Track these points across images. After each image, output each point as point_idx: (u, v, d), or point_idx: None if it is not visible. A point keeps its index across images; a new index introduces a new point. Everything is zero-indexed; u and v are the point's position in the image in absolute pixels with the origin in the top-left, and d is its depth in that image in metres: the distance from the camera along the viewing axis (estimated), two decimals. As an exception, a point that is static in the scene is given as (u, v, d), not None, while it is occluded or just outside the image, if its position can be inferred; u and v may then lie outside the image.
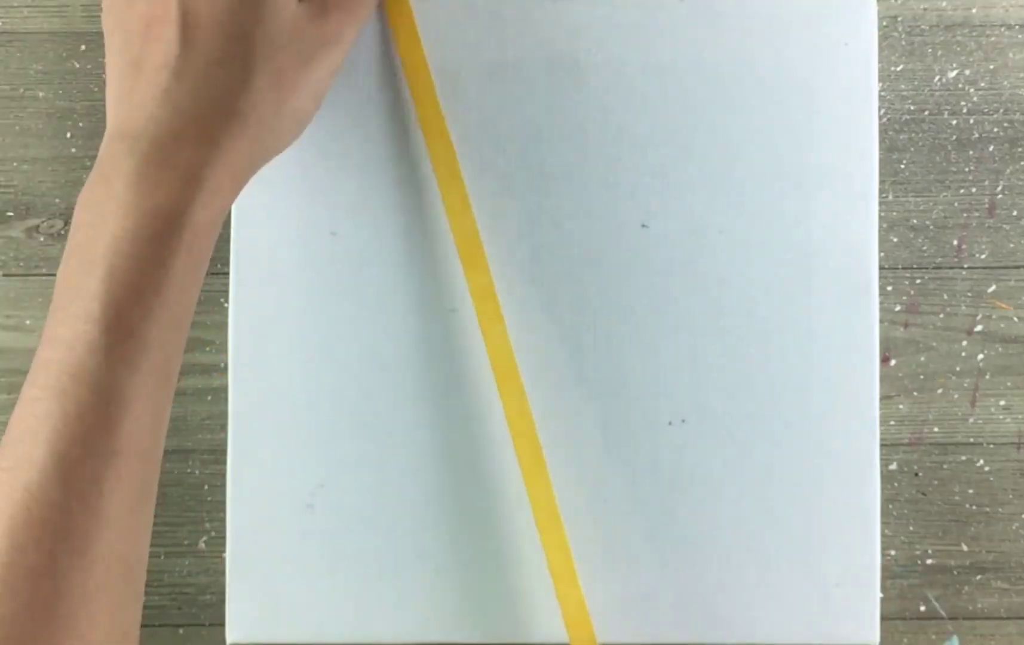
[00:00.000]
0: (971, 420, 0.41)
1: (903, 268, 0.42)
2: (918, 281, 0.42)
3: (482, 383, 0.38)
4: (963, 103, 0.42)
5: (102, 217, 0.28)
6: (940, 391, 0.41)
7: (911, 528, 0.41)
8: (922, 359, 0.41)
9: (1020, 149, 0.42)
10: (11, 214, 0.42)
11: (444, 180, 0.38)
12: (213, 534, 0.41)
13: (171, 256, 0.28)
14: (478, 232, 0.37)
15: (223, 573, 0.38)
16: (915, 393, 0.41)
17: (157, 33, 0.30)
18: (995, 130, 0.42)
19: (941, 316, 0.41)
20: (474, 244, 0.37)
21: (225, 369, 0.39)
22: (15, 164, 0.42)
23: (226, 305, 0.40)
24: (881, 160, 0.39)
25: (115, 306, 0.27)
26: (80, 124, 0.42)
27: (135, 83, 0.30)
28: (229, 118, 0.30)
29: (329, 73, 0.33)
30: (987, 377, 0.41)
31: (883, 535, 0.40)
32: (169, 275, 0.28)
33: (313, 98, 0.33)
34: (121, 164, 0.29)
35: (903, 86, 0.42)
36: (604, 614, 0.38)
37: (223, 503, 0.38)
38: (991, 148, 0.42)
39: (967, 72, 0.42)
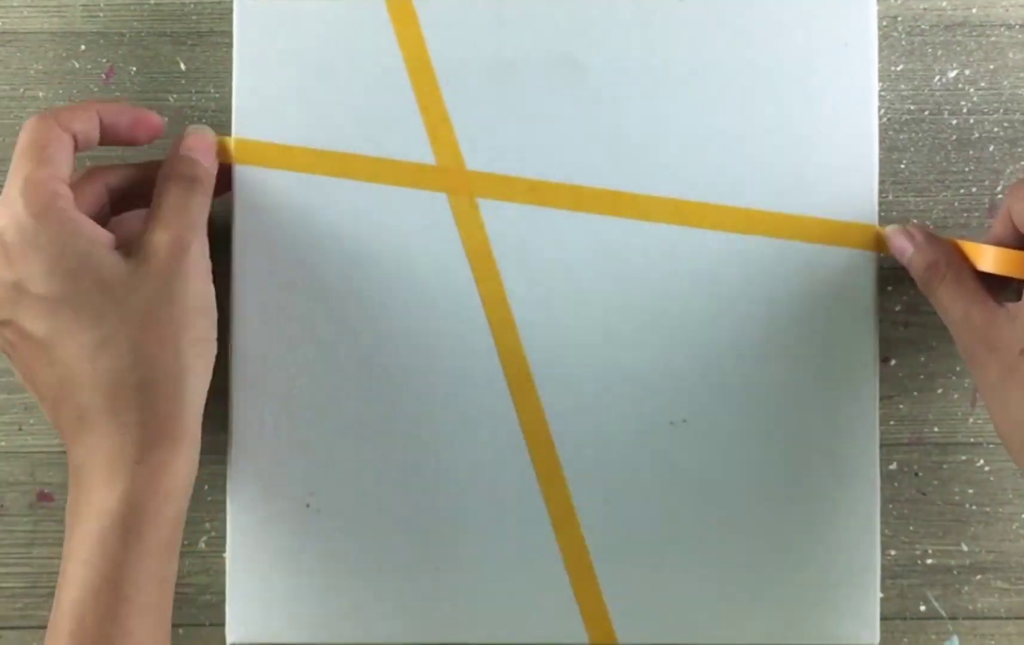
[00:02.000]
0: (971, 420, 0.41)
1: (903, 268, 0.42)
2: (918, 281, 0.42)
3: (483, 383, 0.38)
4: (963, 103, 0.42)
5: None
6: (940, 391, 0.41)
7: (911, 528, 0.41)
8: (922, 359, 0.41)
9: (1020, 149, 0.42)
10: (11, 214, 0.42)
11: (451, 184, 0.38)
12: (213, 534, 0.41)
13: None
14: (487, 238, 0.37)
15: (223, 573, 0.38)
16: (915, 393, 0.41)
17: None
18: (995, 130, 0.42)
19: (941, 316, 0.41)
20: (484, 251, 0.37)
21: (225, 369, 0.39)
22: (15, 164, 0.42)
23: (226, 305, 0.40)
24: (881, 160, 0.39)
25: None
26: (80, 124, 0.42)
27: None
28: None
29: (190, 283, 0.33)
30: (987, 377, 0.41)
31: (883, 535, 0.40)
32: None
33: (194, 308, 0.33)
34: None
35: (903, 86, 0.42)
36: (605, 614, 0.38)
37: (223, 503, 0.38)
38: (991, 148, 0.42)
39: (967, 72, 0.42)
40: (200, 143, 0.36)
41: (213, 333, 0.34)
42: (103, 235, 0.32)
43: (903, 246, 0.36)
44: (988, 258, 0.34)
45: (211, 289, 0.33)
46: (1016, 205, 0.34)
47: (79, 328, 0.31)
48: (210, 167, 0.35)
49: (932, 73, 0.42)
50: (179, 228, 0.33)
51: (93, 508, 0.31)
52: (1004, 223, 0.35)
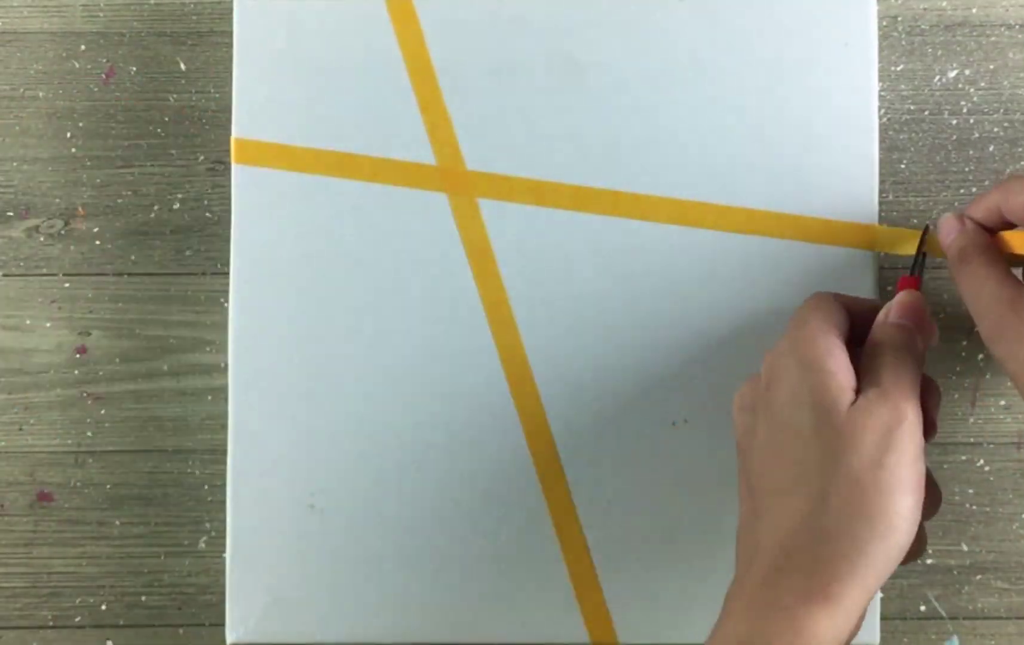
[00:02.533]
0: (971, 420, 0.41)
1: (903, 268, 0.42)
2: (918, 281, 0.42)
3: (483, 383, 0.38)
4: (963, 103, 0.42)
5: None
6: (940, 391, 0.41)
7: (911, 528, 0.41)
8: (922, 359, 0.41)
9: (1020, 149, 0.42)
10: (11, 214, 0.42)
11: (451, 184, 0.38)
12: (213, 534, 0.41)
13: None
14: (487, 237, 0.37)
15: (223, 573, 0.38)
16: (915, 393, 0.41)
17: None
18: (995, 130, 0.42)
19: (941, 316, 0.41)
20: (484, 251, 0.37)
21: (225, 369, 0.39)
22: (15, 164, 0.42)
23: (226, 305, 0.40)
24: (881, 160, 0.39)
25: None
26: (80, 124, 0.42)
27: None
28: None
29: (903, 457, 0.30)
30: (987, 377, 0.41)
31: (883, 535, 0.40)
32: None
33: (900, 483, 0.30)
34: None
35: (903, 86, 0.42)
36: (605, 614, 0.38)
37: (223, 503, 0.38)
38: (991, 148, 0.42)
39: (967, 72, 0.42)
40: (911, 309, 0.34)
41: (912, 515, 0.30)
42: (848, 380, 0.31)
43: (952, 227, 0.35)
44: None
45: (922, 467, 0.31)
46: (1013, 199, 0.34)
47: (789, 452, 0.31)
48: (925, 336, 0.34)
49: (932, 73, 0.42)
50: (897, 399, 0.31)
51: (722, 627, 0.30)
52: (988, 214, 0.35)
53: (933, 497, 0.33)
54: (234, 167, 0.38)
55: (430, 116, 0.38)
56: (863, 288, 0.38)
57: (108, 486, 0.41)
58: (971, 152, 0.42)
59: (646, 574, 0.37)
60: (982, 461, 0.41)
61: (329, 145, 0.38)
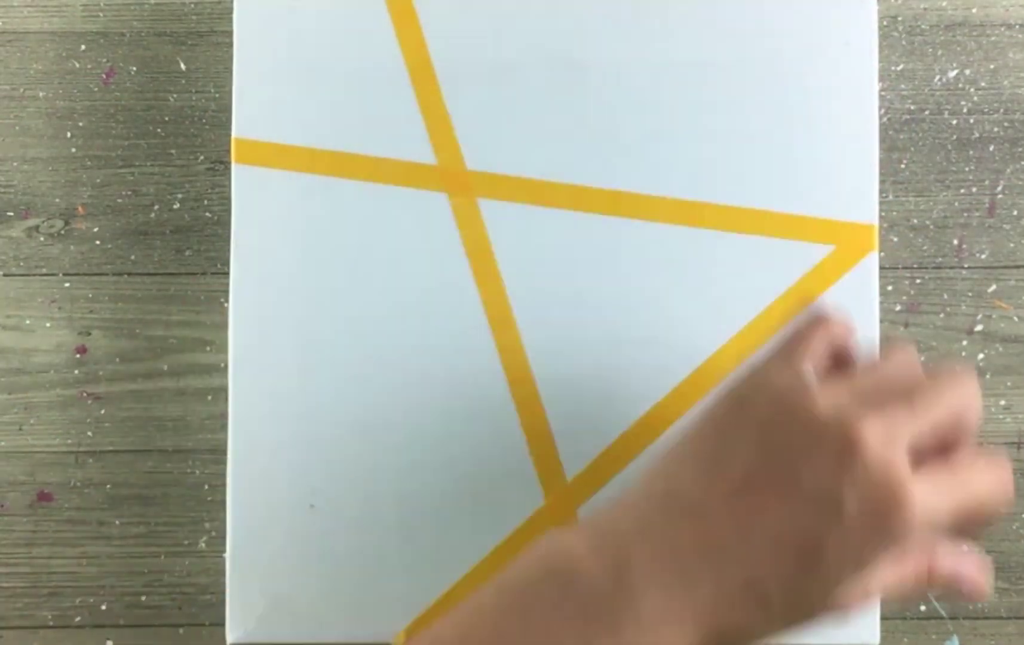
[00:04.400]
0: (971, 420, 0.41)
1: (903, 268, 0.42)
2: (918, 281, 0.42)
3: (483, 382, 0.38)
4: (963, 103, 0.42)
5: None
6: (940, 391, 0.41)
7: (911, 528, 0.41)
8: (922, 359, 0.41)
9: (1020, 149, 0.42)
10: (11, 214, 0.42)
11: (451, 184, 0.38)
12: (213, 534, 0.41)
13: None
14: (487, 237, 0.37)
15: (223, 573, 0.38)
16: (915, 393, 0.41)
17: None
18: (995, 130, 0.42)
19: (941, 316, 0.41)
20: (484, 251, 0.37)
21: (225, 369, 0.39)
22: (15, 164, 0.42)
23: (226, 305, 0.40)
24: (881, 160, 0.39)
25: None
26: (80, 124, 0.42)
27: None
28: None
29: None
30: (987, 377, 0.41)
31: (883, 535, 0.40)
32: None
33: None
34: None
35: (903, 86, 0.42)
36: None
37: (223, 503, 0.38)
38: (991, 148, 0.42)
39: (967, 72, 0.42)
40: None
41: None
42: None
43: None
44: None
45: None
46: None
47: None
48: None
49: (932, 73, 0.42)
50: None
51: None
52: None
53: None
54: (234, 167, 0.38)
55: (430, 116, 0.38)
56: (863, 287, 0.38)
57: (108, 486, 0.41)
58: (971, 152, 0.42)
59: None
60: (982, 461, 0.41)
61: (329, 145, 0.38)
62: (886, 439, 0.25)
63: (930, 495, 0.26)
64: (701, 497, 0.27)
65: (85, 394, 0.41)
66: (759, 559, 0.26)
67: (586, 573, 0.27)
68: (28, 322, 0.42)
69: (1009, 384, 0.41)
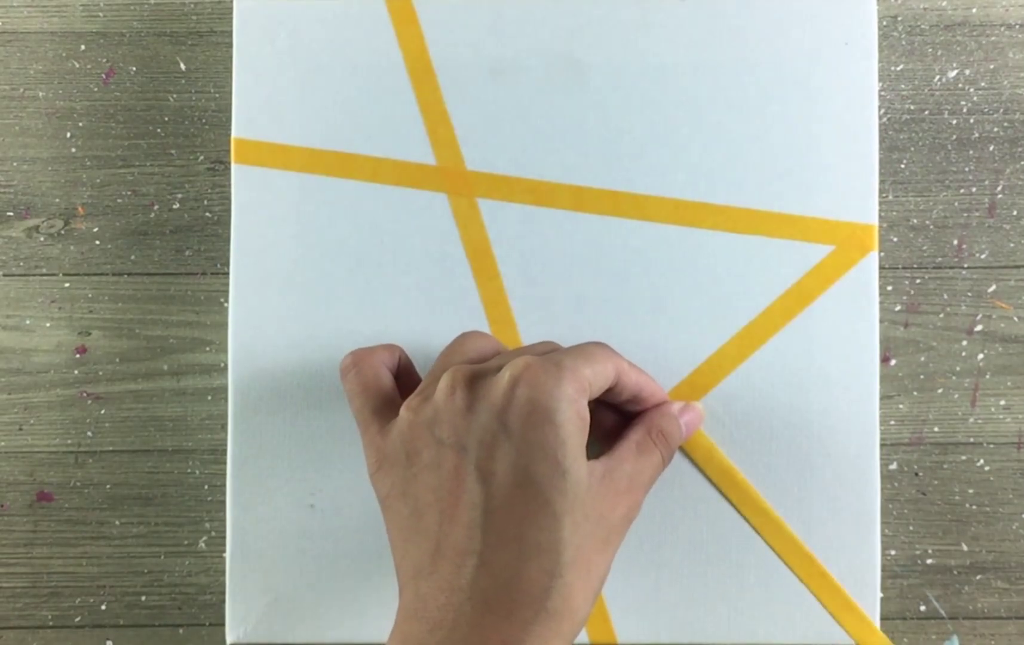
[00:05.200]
0: (971, 420, 0.41)
1: (903, 268, 0.42)
2: (918, 281, 0.42)
3: (482, 383, 0.38)
4: (963, 103, 0.42)
5: None
6: (940, 391, 0.41)
7: (911, 528, 0.41)
8: (922, 359, 0.41)
9: (1020, 149, 0.42)
10: (11, 214, 0.42)
11: (451, 184, 0.38)
12: (213, 534, 0.41)
13: None
14: (487, 238, 0.37)
15: (223, 573, 0.38)
16: (915, 393, 0.41)
17: (456, 514, 0.29)
18: (995, 130, 0.42)
19: (941, 316, 0.41)
20: (484, 251, 0.37)
21: (225, 369, 0.39)
22: (15, 164, 0.42)
23: (226, 305, 0.40)
24: (881, 160, 0.39)
25: None
26: (80, 124, 0.42)
27: (435, 564, 0.29)
28: (539, 615, 0.28)
29: (616, 549, 0.31)
30: (987, 377, 0.41)
31: (883, 535, 0.40)
32: None
33: (605, 577, 0.31)
34: None
35: (903, 86, 0.42)
36: (605, 614, 0.38)
37: (223, 503, 0.38)
38: (991, 148, 0.42)
39: (967, 72, 0.42)
40: (695, 425, 0.36)
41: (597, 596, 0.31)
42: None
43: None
44: None
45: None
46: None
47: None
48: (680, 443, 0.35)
49: (932, 73, 0.42)
50: (639, 495, 0.32)
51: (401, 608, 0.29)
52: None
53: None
54: (234, 167, 0.38)
55: (430, 116, 0.38)
56: (863, 288, 0.38)
57: (108, 486, 0.41)
58: (971, 152, 0.42)
59: (646, 574, 0.37)
60: (982, 461, 0.41)
61: (329, 145, 0.38)
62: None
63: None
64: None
65: (85, 394, 0.41)
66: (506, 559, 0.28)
67: None
68: (28, 322, 0.42)
69: (1009, 384, 0.41)
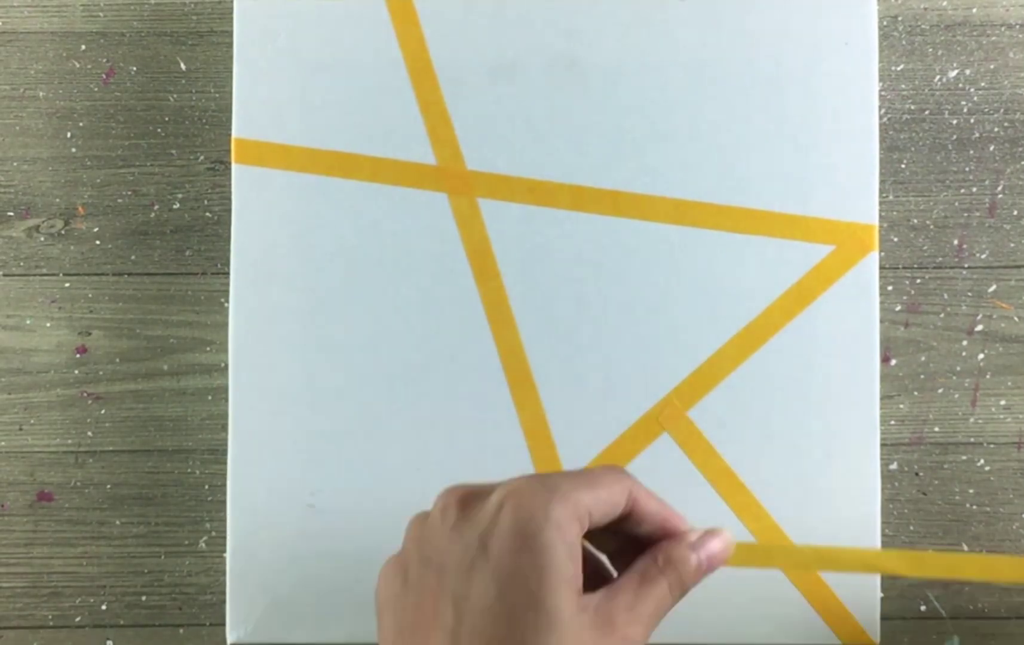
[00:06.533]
0: (971, 420, 0.41)
1: (903, 268, 0.42)
2: (918, 281, 0.42)
3: (483, 382, 0.38)
4: (963, 103, 0.42)
5: None
6: (940, 391, 0.41)
7: (911, 528, 0.41)
8: (922, 359, 0.41)
9: (1020, 149, 0.42)
10: (11, 214, 0.42)
11: (451, 184, 0.38)
12: (213, 534, 0.41)
13: None
14: (487, 238, 0.37)
15: (223, 573, 0.38)
16: (915, 393, 0.41)
17: (429, 638, 0.28)
18: (995, 130, 0.42)
19: (941, 316, 0.41)
20: (484, 251, 0.37)
21: (225, 369, 0.39)
22: (15, 164, 0.42)
23: (226, 305, 0.40)
24: (881, 160, 0.39)
25: None
26: (80, 124, 0.42)
27: None
28: None
29: None
30: (988, 377, 0.41)
31: (883, 535, 0.40)
32: None
33: None
34: None
35: (903, 86, 0.42)
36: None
37: (223, 503, 0.38)
38: (991, 148, 0.42)
39: (967, 72, 0.42)
40: (720, 558, 0.31)
41: None
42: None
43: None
44: None
45: None
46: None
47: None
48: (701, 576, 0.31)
49: (932, 73, 0.42)
50: (638, 630, 0.28)
51: None
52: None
53: None
54: (234, 167, 0.38)
55: (430, 116, 0.38)
56: (863, 288, 0.37)
57: (108, 486, 0.41)
58: (971, 152, 0.42)
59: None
60: (982, 461, 0.41)
61: (329, 145, 0.38)
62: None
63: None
64: None
65: (85, 394, 0.41)
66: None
67: None
68: (28, 322, 0.42)
69: (1009, 384, 0.41)
